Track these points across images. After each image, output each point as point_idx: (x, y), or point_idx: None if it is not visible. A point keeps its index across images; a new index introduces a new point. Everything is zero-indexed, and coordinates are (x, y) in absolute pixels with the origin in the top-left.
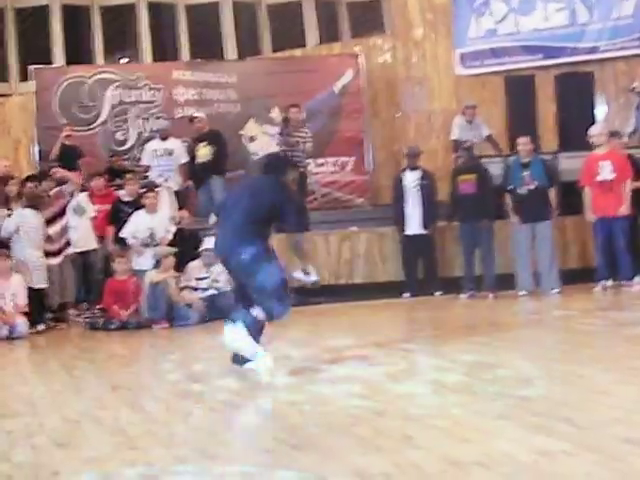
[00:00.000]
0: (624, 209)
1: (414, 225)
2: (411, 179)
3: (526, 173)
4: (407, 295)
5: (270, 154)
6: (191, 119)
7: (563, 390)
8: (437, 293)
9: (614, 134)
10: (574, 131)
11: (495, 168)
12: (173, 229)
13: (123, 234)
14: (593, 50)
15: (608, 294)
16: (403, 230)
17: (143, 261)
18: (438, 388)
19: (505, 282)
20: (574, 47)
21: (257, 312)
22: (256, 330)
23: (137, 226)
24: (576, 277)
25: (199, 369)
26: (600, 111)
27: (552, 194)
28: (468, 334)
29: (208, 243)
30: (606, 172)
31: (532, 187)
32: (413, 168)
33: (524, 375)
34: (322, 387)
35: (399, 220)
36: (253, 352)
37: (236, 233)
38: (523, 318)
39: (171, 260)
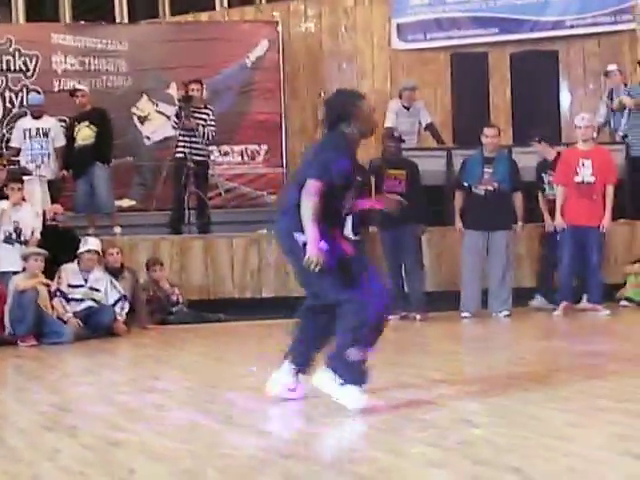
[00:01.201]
0: (605, 220)
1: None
2: None
3: (488, 170)
4: None
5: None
6: (72, 93)
7: (509, 433)
8: None
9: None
10: (532, 121)
11: (436, 163)
12: (38, 225)
13: None
14: (558, 25)
15: (569, 319)
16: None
17: (7, 262)
18: (360, 428)
19: (449, 301)
20: (535, 21)
21: None
22: None
23: None
24: (531, 298)
25: (72, 397)
26: (564, 98)
27: (518, 200)
28: (397, 364)
29: (89, 244)
30: (587, 173)
31: (491, 188)
32: None
33: (463, 415)
34: (218, 424)
35: None
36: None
37: None
38: (462, 347)
39: (40, 263)
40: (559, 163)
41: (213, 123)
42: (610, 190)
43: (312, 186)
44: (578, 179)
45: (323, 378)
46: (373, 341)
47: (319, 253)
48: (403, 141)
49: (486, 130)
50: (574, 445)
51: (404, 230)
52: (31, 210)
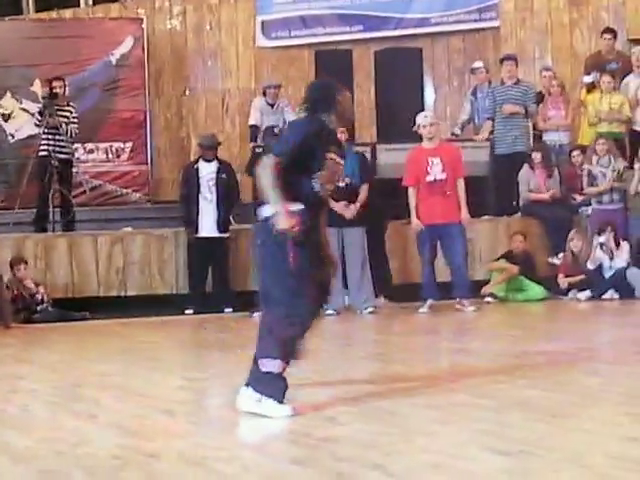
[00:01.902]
0: (463, 214)
1: (207, 226)
2: (206, 172)
3: None
4: (190, 312)
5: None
6: None
7: (373, 430)
8: (227, 310)
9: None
10: (397, 119)
11: None
12: None
13: None
14: (422, 22)
15: (435, 315)
16: (195, 232)
17: None
18: (224, 426)
19: None
20: (400, 18)
21: None
22: None
23: None
24: (396, 294)
25: None
26: (429, 95)
27: (363, 192)
28: None
29: None
30: (437, 170)
31: (342, 185)
32: (208, 159)
33: (326, 412)
34: (83, 423)
35: (191, 220)
36: None
37: None
38: (325, 344)
39: None
40: (407, 164)
41: (76, 120)
42: (461, 184)
43: (269, 159)
44: (430, 178)
45: (243, 398)
46: (292, 355)
47: (289, 219)
48: (279, 136)
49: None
50: (437, 441)
51: None
52: None
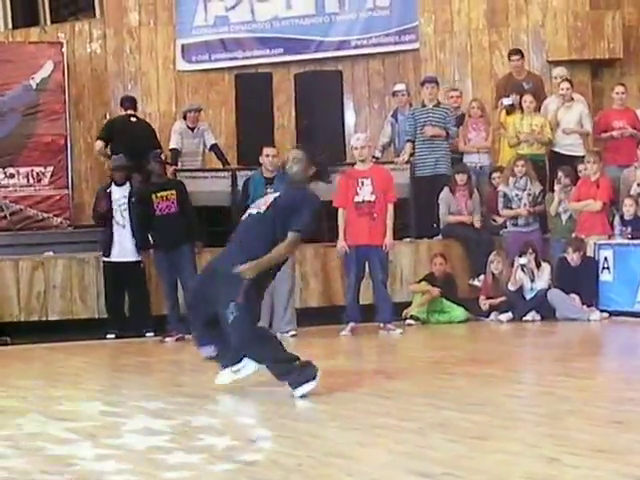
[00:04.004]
0: (387, 239)
1: (122, 250)
2: (119, 195)
3: (270, 191)
4: (112, 335)
5: None
6: None
7: (294, 453)
8: (149, 334)
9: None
10: (317, 141)
11: (220, 184)
12: None
13: None
14: (342, 45)
15: (357, 338)
16: (108, 256)
17: None
18: (146, 450)
19: None
20: (320, 41)
21: None
22: None
23: None
24: (317, 317)
25: None
26: (349, 118)
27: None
28: (184, 385)
29: None
30: (366, 192)
31: None
32: (120, 183)
33: (249, 436)
34: (5, 449)
35: (105, 244)
36: None
37: None
38: None
39: None
40: (338, 185)
41: None
42: (390, 209)
43: (297, 241)
44: (358, 199)
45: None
46: None
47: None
48: (169, 163)
49: (265, 150)
50: (359, 464)
51: (182, 249)
52: None
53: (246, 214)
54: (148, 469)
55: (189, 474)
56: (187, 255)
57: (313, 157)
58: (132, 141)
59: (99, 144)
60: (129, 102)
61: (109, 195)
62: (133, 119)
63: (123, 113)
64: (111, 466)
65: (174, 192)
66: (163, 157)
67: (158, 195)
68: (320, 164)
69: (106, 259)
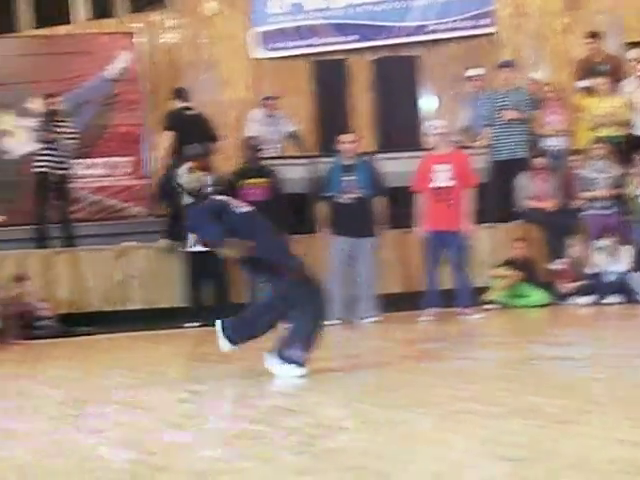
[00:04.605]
0: (464, 224)
1: None
2: None
3: (350, 178)
4: (193, 324)
5: None
6: None
7: (378, 439)
8: None
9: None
10: (394, 127)
11: (300, 171)
12: None
13: None
14: (418, 30)
15: (437, 324)
16: (189, 246)
17: None
18: (228, 438)
19: None
20: (396, 26)
21: None
22: None
23: None
24: (398, 303)
25: None
26: (426, 103)
27: (379, 205)
28: (262, 372)
29: None
30: (443, 178)
31: (355, 196)
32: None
33: (331, 422)
34: (89, 438)
35: (172, 234)
36: None
37: None
38: (329, 353)
39: None
40: (417, 171)
41: (73, 136)
42: (469, 193)
43: None
44: (435, 184)
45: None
46: None
47: None
48: (261, 149)
49: (342, 137)
50: (441, 449)
51: None
52: None
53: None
54: (230, 456)
55: (270, 460)
56: None
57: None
58: (188, 133)
59: (168, 134)
60: (183, 93)
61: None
62: (189, 111)
63: (179, 105)
64: (197, 454)
65: (265, 179)
66: (256, 143)
67: (247, 182)
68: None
69: (187, 249)
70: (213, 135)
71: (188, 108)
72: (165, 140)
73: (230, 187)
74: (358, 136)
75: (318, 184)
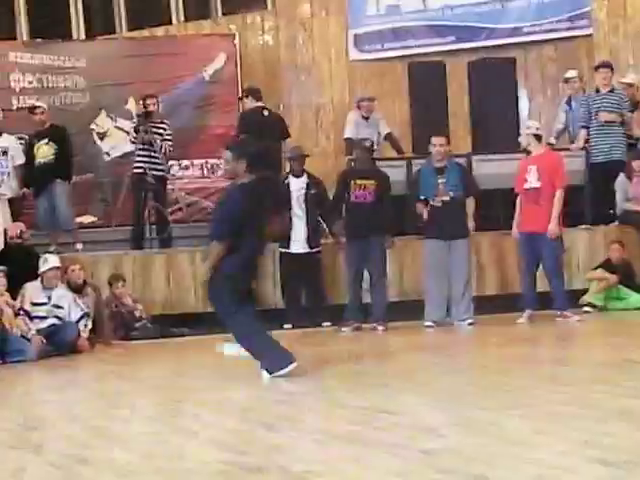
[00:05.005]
0: (550, 225)
1: (298, 242)
2: (296, 187)
3: (441, 181)
4: (288, 326)
5: None
6: (31, 110)
7: (474, 442)
8: (325, 324)
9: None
10: (491, 129)
11: (396, 173)
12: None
13: None
14: (515, 32)
15: (534, 326)
16: (286, 247)
17: None
18: (325, 439)
19: (403, 311)
20: (492, 28)
21: None
22: None
23: None
24: (494, 305)
25: (37, 414)
26: (523, 105)
27: (470, 206)
28: (360, 375)
29: (50, 261)
30: (533, 179)
31: (447, 198)
32: (298, 174)
33: (427, 424)
34: (183, 439)
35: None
36: None
37: None
38: (426, 356)
39: (2, 279)
40: (517, 172)
41: (170, 137)
42: (558, 195)
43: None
44: (526, 185)
45: None
46: None
47: None
48: (373, 151)
49: (433, 139)
50: (539, 452)
51: (371, 240)
52: None
53: None
54: (328, 458)
55: (369, 462)
56: (376, 247)
57: (240, 152)
58: (264, 134)
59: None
60: (256, 93)
61: (287, 187)
62: (265, 112)
63: (253, 106)
64: (292, 456)
65: (374, 182)
66: (369, 145)
67: (357, 182)
68: (248, 155)
69: (283, 250)
70: (288, 134)
71: (263, 108)
72: None
73: (340, 187)
74: (450, 138)
75: (412, 186)
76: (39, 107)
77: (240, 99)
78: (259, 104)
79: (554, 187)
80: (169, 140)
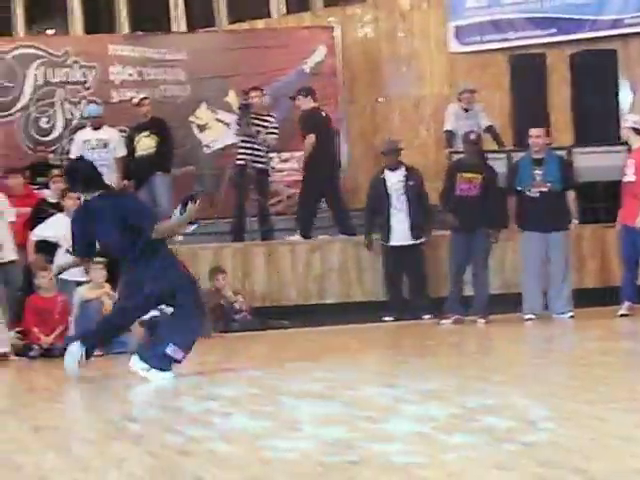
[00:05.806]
0: (638, 217)
1: (400, 235)
2: (394, 180)
3: (539, 172)
4: (389, 318)
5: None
6: (138, 103)
7: (575, 435)
8: (426, 316)
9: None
10: (593, 122)
11: (496, 165)
12: None
13: (35, 236)
14: (616, 24)
15: (635, 319)
16: (386, 241)
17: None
18: (427, 432)
19: (503, 303)
20: (593, 20)
21: None
22: None
23: (56, 231)
24: (594, 298)
25: (137, 405)
26: (625, 97)
27: (571, 199)
28: (461, 368)
29: None
30: (630, 172)
31: (545, 189)
32: (394, 167)
33: (529, 417)
34: (285, 431)
35: (371, 228)
36: None
37: None
38: (527, 348)
39: (103, 272)
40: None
41: (274, 130)
42: None
43: None
44: (625, 179)
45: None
46: None
47: None
48: (479, 144)
49: (531, 131)
50: (639, 445)
51: (476, 234)
52: None
53: None
54: (430, 450)
55: (471, 454)
56: (480, 240)
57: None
58: (329, 133)
59: (312, 137)
60: (313, 93)
61: (383, 181)
62: (322, 112)
63: (311, 106)
64: (394, 447)
65: (480, 176)
66: (475, 137)
67: (463, 175)
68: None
69: (384, 243)
70: (338, 133)
71: (319, 108)
72: (309, 143)
73: (447, 181)
74: (550, 130)
75: (508, 178)
76: (146, 98)
77: (293, 98)
78: (316, 104)
79: None
80: (273, 133)
